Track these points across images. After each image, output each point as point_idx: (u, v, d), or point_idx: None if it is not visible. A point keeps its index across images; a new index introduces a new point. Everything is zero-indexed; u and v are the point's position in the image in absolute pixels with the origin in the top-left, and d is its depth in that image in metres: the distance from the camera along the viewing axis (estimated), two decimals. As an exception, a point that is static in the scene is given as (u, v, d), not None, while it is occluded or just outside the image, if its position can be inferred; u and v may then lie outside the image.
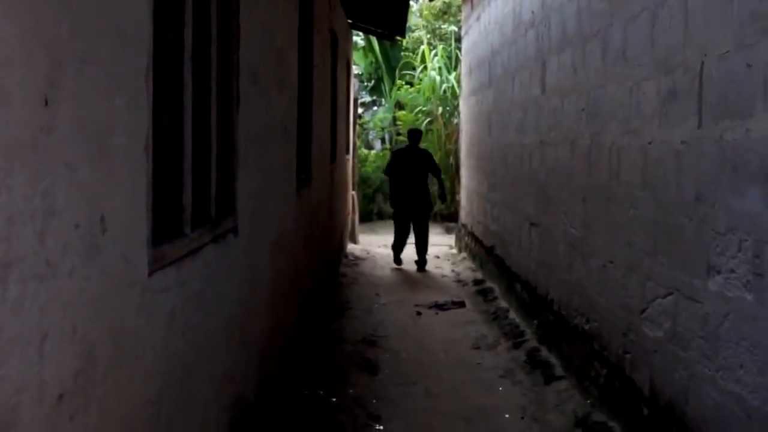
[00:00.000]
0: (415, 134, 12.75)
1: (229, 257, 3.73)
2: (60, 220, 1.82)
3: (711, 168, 3.77)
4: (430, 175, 12.51)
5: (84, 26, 1.96)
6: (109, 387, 2.14)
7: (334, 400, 5.79)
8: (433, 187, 13.60)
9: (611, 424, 5.01)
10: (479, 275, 11.04)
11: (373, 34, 16.80)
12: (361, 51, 21.66)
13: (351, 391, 6.08)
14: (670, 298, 4.24)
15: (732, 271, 3.53)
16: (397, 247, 12.65)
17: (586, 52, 5.89)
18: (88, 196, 1.99)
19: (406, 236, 12.48)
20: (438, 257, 13.48)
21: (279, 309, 5.39)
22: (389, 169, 12.66)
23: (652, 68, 4.54)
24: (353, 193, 15.52)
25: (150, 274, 2.49)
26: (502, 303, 9.15)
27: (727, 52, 3.62)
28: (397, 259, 12.67)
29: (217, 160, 3.57)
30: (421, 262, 12.32)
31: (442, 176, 13.44)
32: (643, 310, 4.60)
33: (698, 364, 3.86)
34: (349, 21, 12.71)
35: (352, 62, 16.59)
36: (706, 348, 3.79)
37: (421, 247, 12.30)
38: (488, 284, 10.24)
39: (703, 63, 3.88)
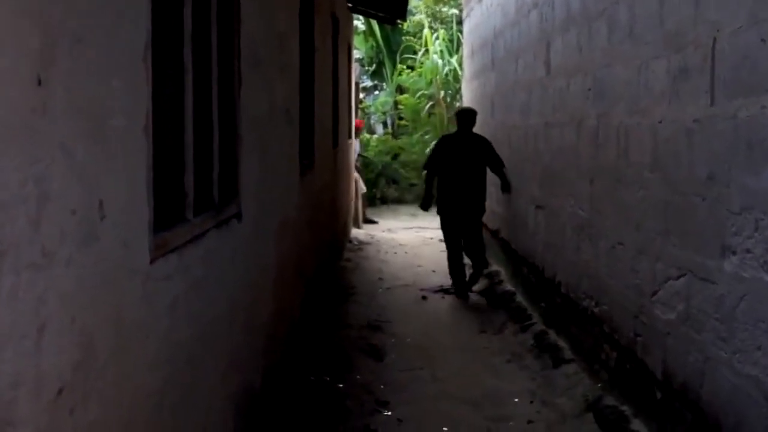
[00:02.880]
0: (466, 116, 9.36)
1: (232, 243, 3.65)
2: (56, 206, 1.74)
3: (724, 146, 3.68)
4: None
5: (79, 3, 1.88)
6: (110, 379, 2.07)
7: (341, 386, 5.73)
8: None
9: (623, 407, 4.94)
10: (484, 259, 10.96)
11: (374, 18, 16.66)
12: (361, 35, 21.53)
13: (358, 377, 6.02)
14: (682, 279, 4.16)
15: (748, 251, 3.45)
16: (456, 269, 9.24)
17: (592, 32, 5.79)
18: (86, 180, 1.91)
19: (462, 252, 9.33)
20: (443, 241, 13.39)
21: (283, 295, 5.32)
22: (431, 163, 9.34)
23: (661, 46, 4.44)
24: (356, 175, 15.43)
25: (152, 262, 2.41)
26: (508, 286, 9.08)
27: (741, 27, 3.52)
28: (460, 288, 9.16)
29: (219, 144, 3.49)
30: (476, 275, 9.38)
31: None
32: (655, 292, 4.52)
33: (713, 347, 3.78)
34: (350, 5, 12.57)
35: (353, 46, 16.47)
36: (721, 330, 3.70)
37: (478, 262, 9.33)
38: (494, 267, 10.16)
39: (715, 39, 3.78)
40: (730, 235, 3.61)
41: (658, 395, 4.46)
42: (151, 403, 2.44)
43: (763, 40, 3.33)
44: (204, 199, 3.26)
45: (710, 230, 3.83)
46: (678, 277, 4.22)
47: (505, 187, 9.19)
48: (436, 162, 9.23)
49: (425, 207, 9.49)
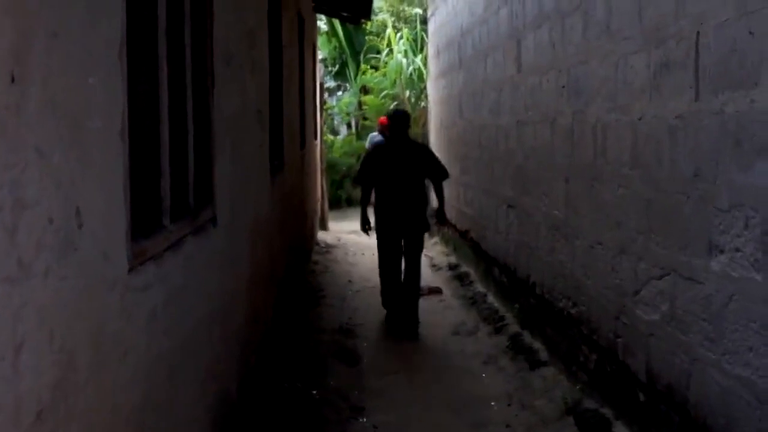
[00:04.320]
0: (400, 120, 7.88)
1: (209, 249, 3.52)
2: (32, 214, 1.60)
3: (711, 142, 3.61)
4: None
5: (52, -5, 1.74)
6: (90, 397, 1.93)
7: (315, 393, 5.59)
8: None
9: (604, 410, 4.86)
10: (453, 260, 10.87)
11: (338, 17, 16.49)
12: (324, 36, 21.38)
13: (332, 383, 5.89)
14: (666, 279, 4.08)
15: (737, 249, 3.38)
16: (388, 292, 7.99)
17: (566, 28, 5.71)
18: (62, 185, 1.77)
19: (399, 272, 7.87)
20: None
21: (257, 299, 5.19)
22: (362, 176, 7.98)
23: (641, 41, 4.37)
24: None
25: (130, 271, 2.27)
26: (480, 287, 8.98)
27: (727, 20, 3.46)
28: (391, 312, 7.94)
29: (194, 145, 3.35)
30: (412, 315, 7.67)
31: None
32: (637, 292, 4.45)
33: (701, 348, 3.71)
34: (313, 3, 12.41)
35: (317, 47, 16.32)
36: (709, 331, 3.63)
37: (411, 291, 7.79)
38: (464, 269, 10.07)
39: (699, 33, 3.71)
40: (718, 233, 3.54)
41: (642, 397, 4.39)
42: (133, 420, 2.30)
43: (751, 32, 3.26)
44: (180, 205, 3.12)
45: (696, 228, 3.76)
46: (661, 277, 4.14)
47: (441, 215, 8.27)
48: (369, 175, 7.88)
49: (367, 228, 8.15)
